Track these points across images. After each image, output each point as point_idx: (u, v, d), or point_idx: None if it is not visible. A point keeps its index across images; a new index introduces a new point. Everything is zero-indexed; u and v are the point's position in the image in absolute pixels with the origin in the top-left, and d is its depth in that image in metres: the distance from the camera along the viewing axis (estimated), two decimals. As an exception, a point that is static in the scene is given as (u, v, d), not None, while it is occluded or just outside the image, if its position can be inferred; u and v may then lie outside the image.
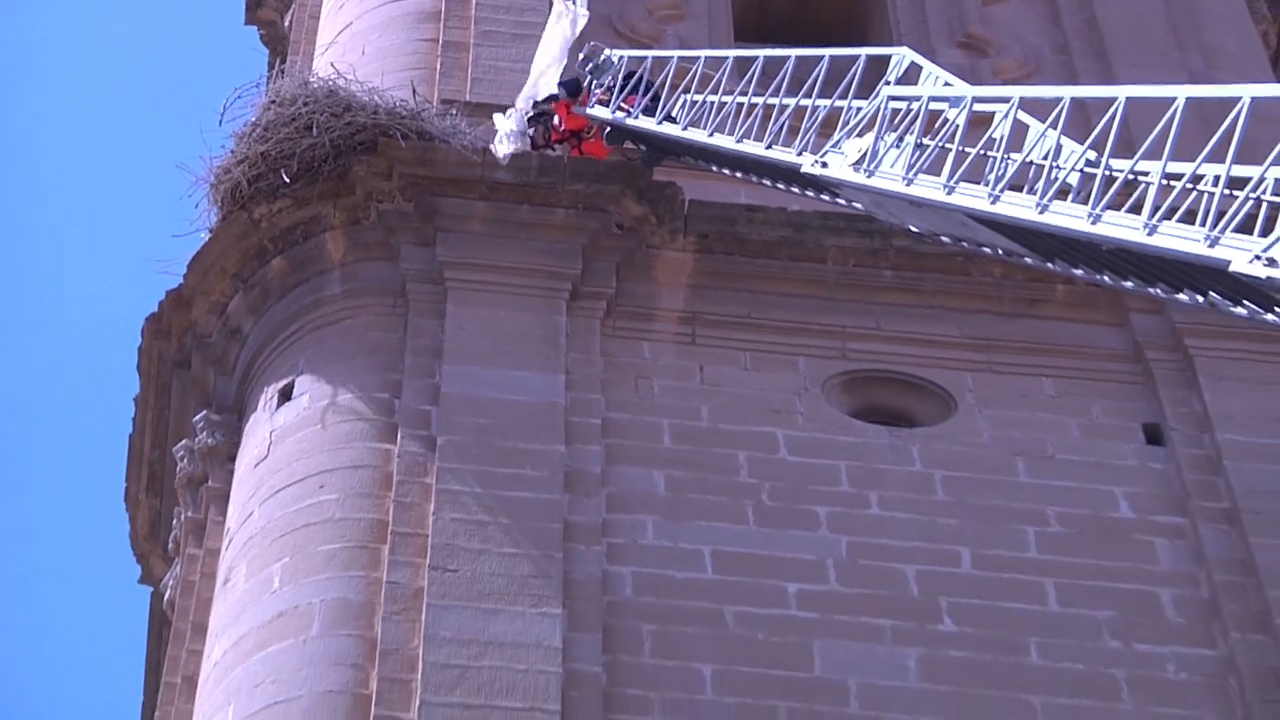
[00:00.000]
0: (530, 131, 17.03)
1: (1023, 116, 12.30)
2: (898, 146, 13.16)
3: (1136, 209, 10.80)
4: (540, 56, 16.83)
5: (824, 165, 13.85)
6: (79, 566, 46.44)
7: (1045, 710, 14.05)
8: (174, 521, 17.34)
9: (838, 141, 13.79)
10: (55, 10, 49.40)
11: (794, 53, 15.19)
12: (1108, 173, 11.28)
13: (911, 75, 13.98)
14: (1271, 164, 10.13)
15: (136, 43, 47.35)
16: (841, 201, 14.16)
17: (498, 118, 16.50)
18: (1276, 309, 10.03)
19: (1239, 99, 10.67)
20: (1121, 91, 11.85)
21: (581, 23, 16.68)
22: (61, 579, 44.65)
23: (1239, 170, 10.31)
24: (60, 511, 34.82)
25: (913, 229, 13.57)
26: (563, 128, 17.21)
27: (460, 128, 17.21)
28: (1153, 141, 10.93)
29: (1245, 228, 10.13)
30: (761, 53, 15.78)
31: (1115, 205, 11.05)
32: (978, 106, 12.84)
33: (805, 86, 14.53)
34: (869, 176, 13.28)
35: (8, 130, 48.43)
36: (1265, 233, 9.97)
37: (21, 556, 44.64)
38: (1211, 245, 10.20)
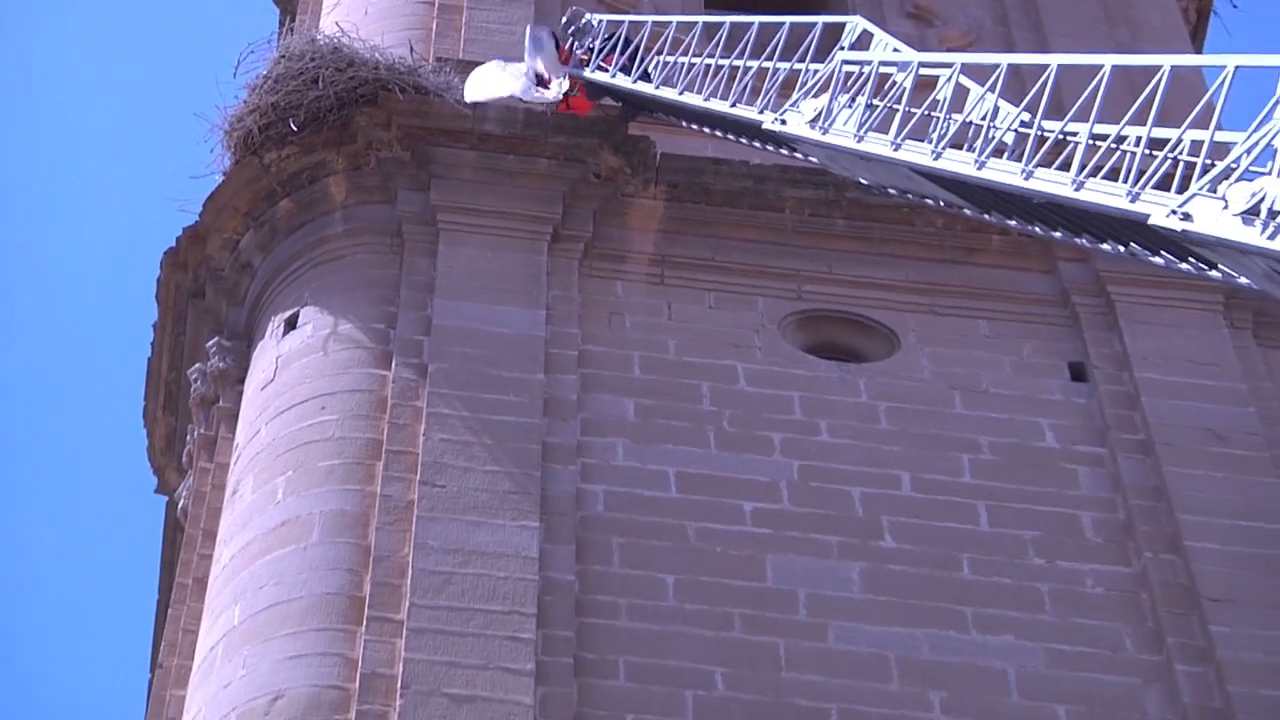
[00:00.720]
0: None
1: (964, 80, 12.33)
2: (850, 106, 13.18)
3: (1065, 166, 10.85)
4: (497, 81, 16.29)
5: (783, 123, 13.87)
6: (101, 478, 46.26)
7: (975, 619, 14.08)
8: (188, 438, 17.33)
9: (796, 101, 13.81)
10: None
11: (757, 19, 15.20)
12: (1040, 133, 11.31)
13: (864, 42, 14.01)
14: (1188, 127, 10.15)
15: (158, 2, 46.90)
16: (799, 156, 14.18)
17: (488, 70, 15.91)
18: (1190, 259, 10.03)
19: (1160, 67, 10.71)
20: (1054, 59, 11.98)
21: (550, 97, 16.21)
22: (85, 489, 44.62)
23: (1159, 132, 10.35)
24: (85, 428, 34.78)
25: (862, 181, 13.61)
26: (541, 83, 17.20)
27: (453, 84, 17.09)
28: (1081, 105, 10.95)
29: (1163, 185, 10.17)
30: (728, 19, 15.67)
31: (1046, 163, 11.08)
32: (923, 71, 12.88)
33: (767, 50, 14.59)
34: (823, 133, 13.29)
35: (44, 80, 48.05)
36: (1181, 190, 9.98)
37: (50, 469, 44.58)
38: (1133, 200, 10.23)
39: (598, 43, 16.91)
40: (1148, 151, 10.37)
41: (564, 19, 17.47)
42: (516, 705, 12.91)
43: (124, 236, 45.77)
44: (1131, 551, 14.66)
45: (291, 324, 16.14)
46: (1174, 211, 9.89)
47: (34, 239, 46.35)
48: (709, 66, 15.14)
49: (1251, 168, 9.61)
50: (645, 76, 16.17)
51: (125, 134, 43.23)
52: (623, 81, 16.44)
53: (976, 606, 14.15)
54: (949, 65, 12.64)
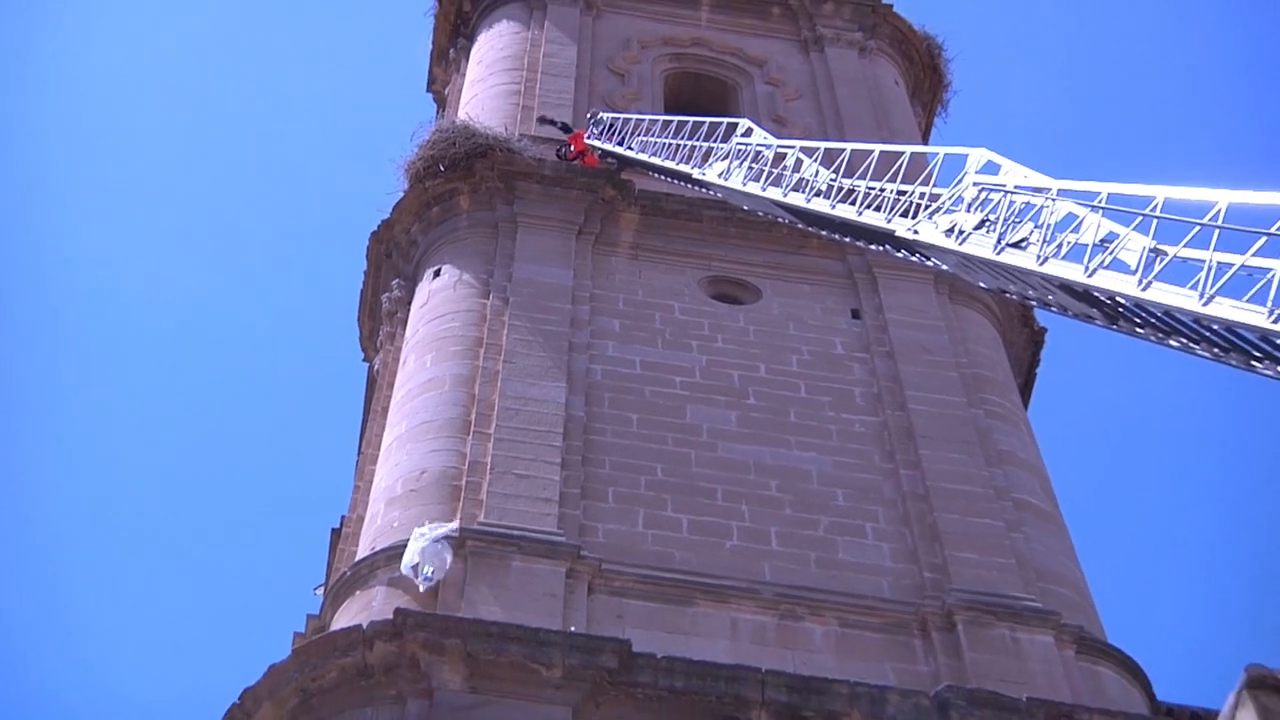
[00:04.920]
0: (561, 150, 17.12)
1: (803, 156, 12.29)
2: (739, 164, 13.09)
3: (853, 202, 10.74)
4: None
5: (703, 174, 13.82)
6: (335, 356, 46.24)
7: (796, 443, 14.04)
8: (380, 333, 17.29)
9: (711, 162, 13.82)
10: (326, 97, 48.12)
11: (690, 118, 15.21)
12: (841, 183, 11.22)
13: (748, 132, 13.92)
14: (919, 184, 10.05)
15: (378, 99, 46.45)
16: (710, 193, 14.16)
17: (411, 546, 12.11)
18: (917, 254, 9.96)
19: (902, 152, 10.72)
20: (848, 146, 11.82)
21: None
22: (330, 362, 44.10)
23: (906, 187, 10.20)
24: (328, 327, 34.16)
25: (746, 207, 13.55)
26: (574, 150, 17.29)
27: (527, 147, 17.10)
28: (862, 172, 10.91)
29: (905, 214, 10.07)
30: (674, 118, 15.80)
31: (845, 199, 10.98)
32: (779, 149, 12.83)
33: (687, 131, 14.71)
34: (724, 179, 13.22)
35: (312, 141, 47.27)
36: (914, 216, 9.92)
37: (302, 355, 43.89)
38: (889, 221, 10.13)
39: (604, 126, 17.06)
40: (897, 195, 10.31)
41: (589, 115, 17.74)
42: (550, 480, 12.95)
43: (350, 223, 45.41)
44: (880, 409, 14.64)
45: (437, 274, 16.06)
46: (910, 229, 9.85)
47: (299, 223, 45.58)
48: (663, 143, 15.25)
49: (950, 207, 9.56)
50: (630, 147, 16.25)
51: (355, 169, 42.92)
52: (616, 149, 16.49)
53: (797, 436, 14.14)
54: (791, 146, 12.66)
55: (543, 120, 18.12)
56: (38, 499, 36.00)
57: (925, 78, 21.98)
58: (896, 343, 15.29)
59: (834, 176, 11.29)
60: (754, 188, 12.51)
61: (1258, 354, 6.68)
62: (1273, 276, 6.47)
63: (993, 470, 13.94)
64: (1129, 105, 45.46)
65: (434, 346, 14.80)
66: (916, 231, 9.61)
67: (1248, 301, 6.65)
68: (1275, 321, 6.41)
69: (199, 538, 38.55)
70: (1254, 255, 6.63)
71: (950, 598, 12.25)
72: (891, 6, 21.85)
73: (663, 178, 15.57)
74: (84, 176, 43.23)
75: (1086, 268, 7.62)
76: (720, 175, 13.40)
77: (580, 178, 16.70)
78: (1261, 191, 6.81)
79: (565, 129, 17.68)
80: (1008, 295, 9.10)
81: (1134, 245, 7.44)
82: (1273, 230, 6.58)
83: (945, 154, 10.03)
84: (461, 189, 16.66)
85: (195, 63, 47.46)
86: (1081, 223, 7.93)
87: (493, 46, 20.55)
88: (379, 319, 17.44)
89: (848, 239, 11.28)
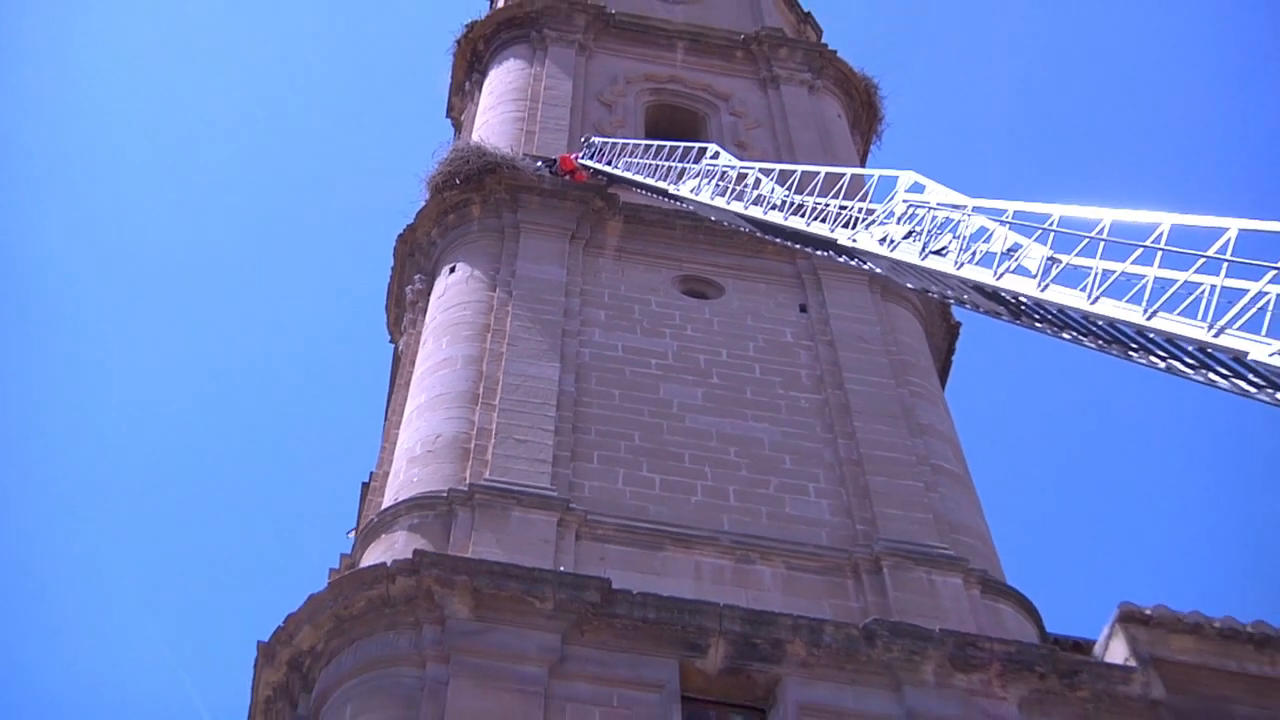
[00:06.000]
0: (548, 170, 17.11)
1: (760, 175, 12.22)
2: (708, 182, 13.07)
3: (802, 215, 10.72)
4: None
5: (677, 189, 13.78)
6: (367, 338, 46.16)
7: (751, 415, 13.99)
8: (404, 318, 17.19)
9: (685, 179, 13.75)
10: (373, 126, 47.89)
11: (667, 143, 15.22)
12: (793, 199, 11.21)
13: (716, 155, 13.83)
14: (857, 200, 10.04)
15: (406, 124, 46.27)
16: (683, 205, 14.10)
17: None
18: (856, 259, 9.96)
19: (843, 174, 10.65)
20: (798, 168, 11.76)
21: None
22: (358, 346, 44.21)
23: (846, 203, 10.20)
24: (360, 315, 34.29)
25: (713, 218, 13.51)
26: (564, 169, 17.20)
27: (529, 165, 17.05)
28: (810, 190, 10.88)
29: (845, 225, 10.07)
30: (653, 142, 15.78)
31: (796, 212, 10.97)
32: (741, 169, 12.75)
33: (664, 154, 14.63)
34: (695, 194, 13.21)
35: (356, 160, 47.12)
36: (853, 227, 9.91)
37: (338, 338, 43.91)
38: (832, 231, 10.12)
39: (594, 148, 16.94)
40: (839, 210, 10.31)
41: (583, 138, 17.60)
42: (544, 445, 12.94)
43: (380, 227, 45.47)
44: (822, 388, 14.63)
45: (452, 270, 15.94)
46: (849, 238, 9.86)
47: (338, 225, 45.63)
48: (644, 163, 15.20)
49: (883, 220, 9.58)
50: (616, 166, 16.18)
51: (385, 182, 42.90)
52: (604, 168, 16.40)
53: (752, 410, 14.13)
54: (751, 168, 12.59)
55: (534, 158, 18.06)
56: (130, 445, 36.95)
57: (863, 112, 21.99)
58: (837, 333, 15.28)
59: (787, 193, 11.32)
60: (720, 202, 12.53)
61: (1134, 345, 6.82)
62: (1146, 282, 6.61)
63: (914, 440, 13.98)
64: (1036, 135, 46.28)
65: (449, 331, 14.74)
66: (855, 240, 9.72)
67: (1127, 302, 6.80)
68: (1150, 319, 6.52)
69: (257, 489, 39.98)
70: (1133, 264, 6.77)
71: (877, 546, 12.31)
72: (836, 52, 21.92)
73: (643, 192, 15.55)
74: (170, 185, 44.08)
75: (995, 272, 7.77)
76: (692, 191, 13.42)
77: (573, 191, 16.62)
78: (1141, 210, 7.00)
79: (550, 163, 17.60)
80: (930, 294, 9.14)
81: (1034, 254, 7.58)
82: (1147, 243, 6.73)
83: (879, 175, 10.15)
84: (474, 199, 16.58)
85: (263, 95, 48.03)
86: (991, 234, 8.08)
87: (502, 81, 20.47)
88: (403, 308, 17.37)
89: (797, 245, 11.31)
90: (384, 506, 12.69)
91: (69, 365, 38.11)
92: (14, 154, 40.23)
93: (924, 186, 9.20)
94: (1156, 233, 6.68)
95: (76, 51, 43.54)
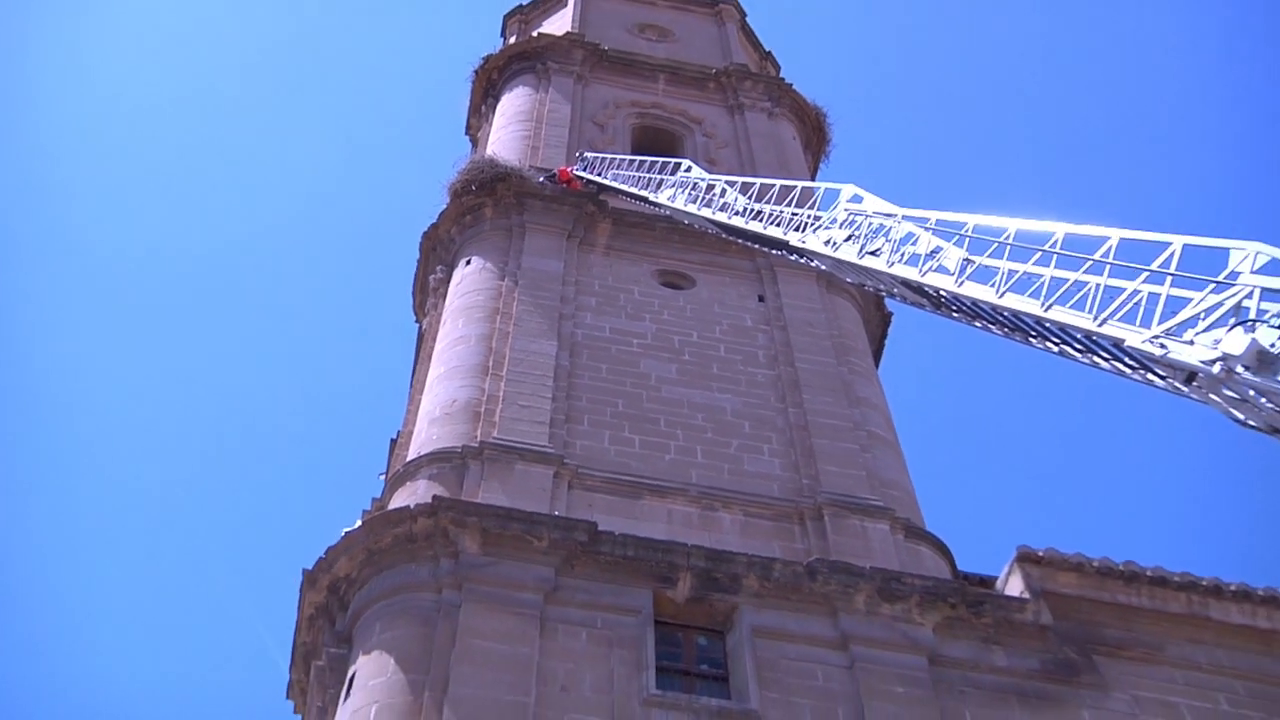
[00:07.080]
0: (549, 180, 16.93)
1: (726, 186, 12.13)
2: (682, 191, 12.99)
3: (761, 220, 10.69)
4: None
5: (656, 197, 13.72)
6: (396, 319, 46.07)
7: (717, 387, 13.85)
8: (428, 302, 17.04)
9: (663, 188, 13.65)
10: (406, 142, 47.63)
11: (649, 158, 15.12)
12: (753, 206, 11.16)
13: (689, 169, 13.72)
14: (809, 209, 10.00)
15: (431, 139, 46.00)
16: (662, 210, 14.02)
17: None
18: (805, 258, 9.96)
19: (795, 186, 10.60)
20: (758, 180, 11.66)
21: None
22: (388, 325, 44.35)
23: (798, 210, 10.17)
24: (389, 298, 34.23)
25: (686, 221, 13.45)
26: (562, 179, 17.09)
27: (534, 175, 16.95)
28: (767, 199, 10.82)
29: (797, 229, 10.05)
30: (636, 157, 15.66)
31: (755, 218, 10.93)
32: (708, 181, 12.65)
33: (646, 167, 14.58)
34: (673, 202, 13.12)
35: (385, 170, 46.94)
36: (803, 231, 9.88)
37: (372, 318, 43.94)
38: (785, 234, 10.12)
39: (587, 162, 16.86)
40: (791, 216, 10.32)
41: (577, 154, 17.52)
42: (543, 409, 12.91)
43: (408, 225, 45.52)
44: (776, 365, 14.57)
45: (468, 263, 15.86)
46: (800, 240, 9.87)
47: (375, 223, 45.65)
48: (629, 175, 15.12)
49: (828, 225, 9.59)
50: (606, 177, 16.12)
51: (413, 187, 42.93)
52: (596, 179, 16.31)
53: (717, 383, 14.08)
54: (718, 180, 12.53)
55: (538, 169, 17.96)
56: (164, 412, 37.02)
57: (814, 135, 22.04)
58: (789, 319, 15.27)
59: (748, 202, 11.32)
60: (692, 208, 12.52)
61: (1033, 333, 6.98)
62: (1044, 280, 6.71)
63: (852, 410, 14.02)
64: (960, 153, 46.53)
65: (464, 314, 14.70)
66: (804, 242, 9.83)
67: (1028, 296, 6.89)
68: (1046, 311, 6.61)
69: (306, 445, 40.81)
70: (1033, 265, 6.85)
71: (820, 498, 12.37)
72: (792, 85, 22.09)
73: (628, 199, 15.51)
74: (220, 182, 44.11)
75: (920, 270, 7.96)
76: (669, 198, 13.41)
77: (570, 197, 16.59)
78: (1041, 220, 7.05)
79: (551, 174, 17.50)
80: (866, 288, 9.31)
81: (953, 256, 7.79)
82: (1046, 247, 6.81)
83: (825, 188, 10.23)
84: (487, 203, 16.52)
85: (320, 122, 48.21)
86: (918, 239, 8.27)
87: (512, 104, 20.41)
88: (427, 294, 17.28)
89: (756, 245, 11.31)
90: (408, 459, 12.69)
91: (146, 341, 38.01)
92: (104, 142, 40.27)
93: (862, 198, 9.27)
94: (1053, 240, 6.85)
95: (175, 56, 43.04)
